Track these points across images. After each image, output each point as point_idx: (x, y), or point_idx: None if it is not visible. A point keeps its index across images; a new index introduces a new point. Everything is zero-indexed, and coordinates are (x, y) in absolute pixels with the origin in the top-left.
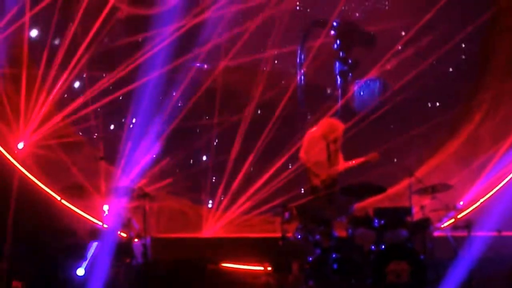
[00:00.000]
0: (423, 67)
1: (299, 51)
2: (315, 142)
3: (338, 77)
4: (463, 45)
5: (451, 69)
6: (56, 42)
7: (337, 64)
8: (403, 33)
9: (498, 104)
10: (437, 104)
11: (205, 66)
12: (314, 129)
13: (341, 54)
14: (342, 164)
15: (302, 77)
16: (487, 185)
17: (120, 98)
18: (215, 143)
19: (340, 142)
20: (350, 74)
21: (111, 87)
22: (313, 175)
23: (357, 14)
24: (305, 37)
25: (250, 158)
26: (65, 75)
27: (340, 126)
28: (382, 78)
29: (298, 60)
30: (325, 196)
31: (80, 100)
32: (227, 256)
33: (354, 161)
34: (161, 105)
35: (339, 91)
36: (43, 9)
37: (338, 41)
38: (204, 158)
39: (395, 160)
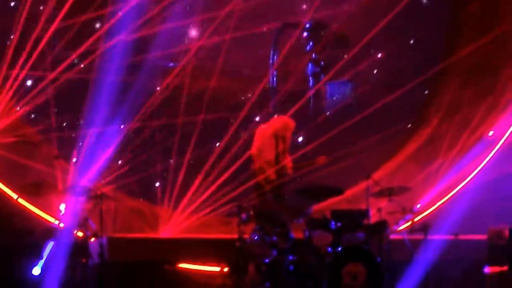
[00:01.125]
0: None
1: (271, 52)
2: (266, 139)
3: (310, 78)
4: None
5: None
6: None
7: (310, 65)
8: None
9: (456, 108)
10: (396, 107)
11: (171, 64)
12: (265, 126)
13: (313, 55)
14: (289, 166)
15: (274, 79)
16: (444, 189)
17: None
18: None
19: (289, 142)
20: (322, 75)
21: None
22: (261, 173)
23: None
24: (276, 38)
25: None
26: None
27: (291, 125)
28: (354, 81)
29: (270, 61)
30: (275, 196)
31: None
32: (184, 256)
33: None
34: (120, 103)
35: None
36: None
37: (310, 43)
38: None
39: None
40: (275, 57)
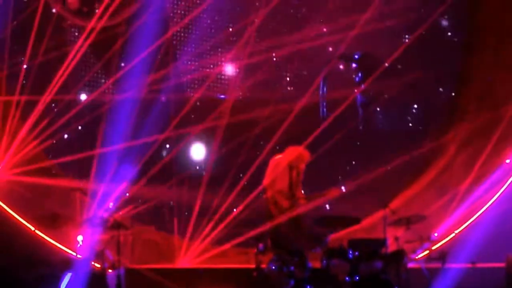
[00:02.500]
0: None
1: (321, 83)
2: (280, 170)
3: (359, 108)
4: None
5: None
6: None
7: (359, 96)
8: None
9: (472, 136)
10: (412, 135)
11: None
12: (279, 156)
13: (362, 86)
14: (302, 197)
15: (325, 109)
16: (462, 217)
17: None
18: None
19: (303, 174)
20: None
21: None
22: (273, 204)
23: None
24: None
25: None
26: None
27: (306, 156)
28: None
29: (320, 92)
30: (291, 226)
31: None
32: (201, 287)
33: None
34: (136, 133)
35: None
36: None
37: (359, 74)
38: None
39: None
40: (324, 88)
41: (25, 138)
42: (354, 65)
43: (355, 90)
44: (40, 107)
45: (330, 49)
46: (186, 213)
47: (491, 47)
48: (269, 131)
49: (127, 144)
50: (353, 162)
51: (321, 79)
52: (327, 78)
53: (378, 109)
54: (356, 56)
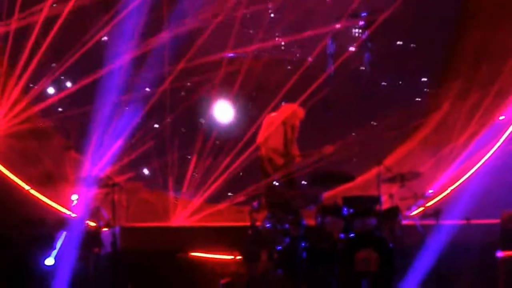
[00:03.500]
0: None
1: (330, 42)
2: (274, 128)
3: (366, 66)
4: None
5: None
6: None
7: (366, 55)
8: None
9: (467, 92)
10: (406, 93)
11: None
12: (273, 114)
13: (369, 45)
14: (297, 154)
15: (332, 67)
16: (456, 174)
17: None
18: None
19: (297, 131)
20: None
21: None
22: (267, 161)
23: None
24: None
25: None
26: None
27: (301, 113)
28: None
29: (328, 51)
30: (285, 184)
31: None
32: (196, 245)
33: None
34: (130, 92)
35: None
36: None
37: (366, 32)
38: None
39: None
40: (333, 46)
41: (18, 96)
42: (361, 22)
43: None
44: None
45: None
46: (181, 171)
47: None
48: (270, 90)
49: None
50: (348, 120)
51: (329, 38)
52: (335, 37)
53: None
54: (363, 14)
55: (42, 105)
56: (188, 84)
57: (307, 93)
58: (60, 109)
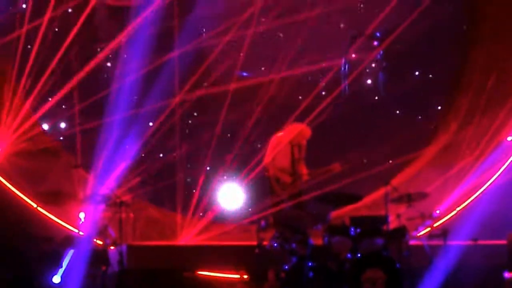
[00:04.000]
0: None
1: (343, 62)
2: (281, 148)
3: (380, 86)
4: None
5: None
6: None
7: (381, 74)
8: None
9: (475, 112)
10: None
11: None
12: (280, 133)
13: (384, 64)
14: (304, 173)
15: (347, 87)
16: (463, 194)
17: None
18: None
19: (304, 150)
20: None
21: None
22: (275, 181)
23: None
24: (347, 49)
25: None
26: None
27: (308, 133)
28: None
29: (342, 70)
30: (293, 203)
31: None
32: (203, 264)
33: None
34: (139, 110)
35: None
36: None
37: (381, 51)
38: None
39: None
40: (346, 66)
41: (27, 114)
42: (375, 43)
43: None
44: (42, 83)
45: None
46: (188, 191)
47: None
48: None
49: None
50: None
51: (343, 58)
52: (348, 59)
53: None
54: (378, 34)
55: (50, 123)
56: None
57: (316, 111)
58: (67, 126)
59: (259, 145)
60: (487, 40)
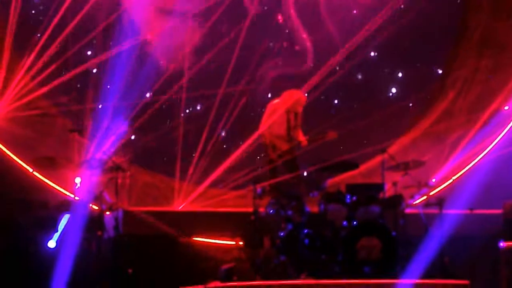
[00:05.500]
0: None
1: None
2: (277, 115)
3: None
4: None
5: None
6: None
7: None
8: None
9: (472, 81)
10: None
11: None
12: (276, 101)
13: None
14: (303, 139)
15: None
16: (460, 163)
17: (95, 69)
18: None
19: (301, 117)
20: None
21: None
22: (271, 148)
23: None
24: None
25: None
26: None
27: (303, 100)
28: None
29: None
30: (289, 170)
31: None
32: (199, 230)
33: (312, 138)
34: (136, 76)
35: None
36: None
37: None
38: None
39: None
40: None
41: (22, 77)
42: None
43: None
44: (38, 47)
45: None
46: (185, 156)
47: None
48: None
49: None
50: (354, 106)
51: None
52: None
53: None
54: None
55: (47, 89)
56: None
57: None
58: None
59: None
60: (486, 12)
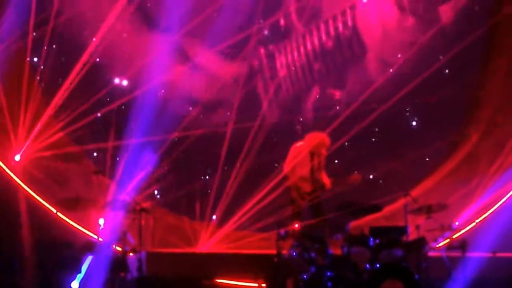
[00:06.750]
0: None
1: None
2: (301, 157)
3: None
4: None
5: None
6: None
7: None
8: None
9: (495, 124)
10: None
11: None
12: (300, 143)
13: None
14: (327, 181)
15: None
16: (483, 206)
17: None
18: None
19: (324, 159)
20: None
21: (108, 99)
22: (295, 190)
23: None
24: None
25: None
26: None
27: (327, 142)
28: None
29: None
30: (313, 213)
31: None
32: (222, 272)
33: (336, 180)
34: (160, 118)
35: None
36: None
37: None
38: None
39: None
40: None
41: (48, 121)
42: None
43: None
44: (64, 91)
45: None
46: (208, 199)
47: None
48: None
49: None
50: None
51: None
52: None
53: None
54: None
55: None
56: None
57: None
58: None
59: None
60: (508, 53)
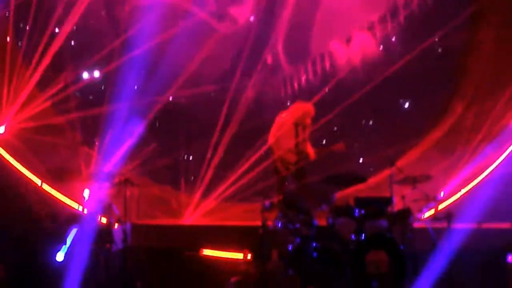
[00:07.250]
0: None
1: None
2: (286, 128)
3: None
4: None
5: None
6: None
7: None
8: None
9: (480, 96)
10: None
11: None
12: (284, 114)
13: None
14: (311, 152)
15: None
16: (468, 177)
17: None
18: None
19: (309, 130)
20: None
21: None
22: (279, 161)
23: None
24: None
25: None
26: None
27: (312, 112)
28: None
29: None
30: (298, 184)
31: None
32: (207, 243)
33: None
34: (146, 88)
35: None
36: None
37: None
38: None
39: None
40: None
41: (32, 91)
42: None
43: None
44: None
45: None
46: (193, 170)
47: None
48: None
49: (135, 102)
50: (363, 121)
51: None
52: None
53: None
54: None
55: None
56: None
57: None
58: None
59: None
60: (495, 24)
